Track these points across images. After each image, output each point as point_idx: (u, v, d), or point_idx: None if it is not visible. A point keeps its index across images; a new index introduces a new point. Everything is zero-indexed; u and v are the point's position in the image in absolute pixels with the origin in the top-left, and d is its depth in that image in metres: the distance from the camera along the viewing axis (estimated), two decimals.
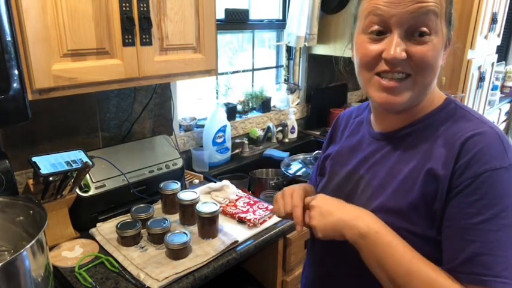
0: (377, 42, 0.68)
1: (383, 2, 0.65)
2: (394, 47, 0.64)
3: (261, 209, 1.37)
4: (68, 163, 1.08)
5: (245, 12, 1.94)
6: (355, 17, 0.74)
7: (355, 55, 0.74)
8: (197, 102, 2.01)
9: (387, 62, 0.66)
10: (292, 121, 2.23)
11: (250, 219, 1.30)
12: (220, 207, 1.29)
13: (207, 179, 1.69)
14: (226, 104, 1.98)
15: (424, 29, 0.64)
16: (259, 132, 2.08)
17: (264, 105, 2.16)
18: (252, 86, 2.21)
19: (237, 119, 2.05)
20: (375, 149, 0.79)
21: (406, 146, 0.74)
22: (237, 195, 1.47)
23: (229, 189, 1.49)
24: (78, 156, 1.12)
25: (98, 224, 1.26)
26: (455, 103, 0.74)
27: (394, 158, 0.74)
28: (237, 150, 2.00)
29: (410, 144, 0.73)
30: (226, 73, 2.01)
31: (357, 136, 0.87)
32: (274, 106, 2.26)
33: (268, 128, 2.07)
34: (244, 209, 1.37)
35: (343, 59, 0.97)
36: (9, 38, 0.85)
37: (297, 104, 2.39)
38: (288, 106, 2.30)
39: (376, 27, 0.67)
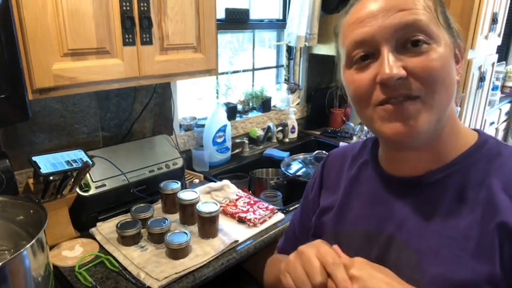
0: (365, 69, 0.54)
1: (358, 23, 0.54)
2: (387, 64, 0.51)
3: (261, 208, 1.37)
4: (68, 162, 1.08)
5: (245, 12, 1.94)
6: (338, 57, 0.62)
7: (348, 95, 0.61)
8: (197, 102, 2.01)
9: (384, 86, 0.52)
10: (292, 121, 2.23)
11: (250, 219, 1.30)
12: (221, 207, 1.29)
13: (207, 178, 1.69)
14: (227, 104, 1.98)
15: (419, 37, 0.51)
16: (260, 132, 2.08)
17: (264, 105, 2.16)
18: (253, 85, 2.21)
19: (237, 119, 2.05)
20: (399, 199, 0.61)
21: (449, 194, 0.56)
22: (237, 195, 1.47)
23: (229, 189, 1.49)
24: (78, 155, 1.12)
25: (98, 224, 1.26)
26: (494, 138, 0.60)
27: (438, 210, 0.57)
28: (237, 150, 2.00)
29: (454, 191, 0.56)
30: (227, 73, 2.01)
31: (365, 183, 0.68)
32: (274, 106, 2.26)
33: (269, 127, 2.07)
34: (245, 209, 1.37)
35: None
36: (9, 38, 0.85)
37: (297, 104, 2.39)
38: (288, 106, 2.30)
39: (358, 51, 0.54)
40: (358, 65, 0.55)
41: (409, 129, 0.52)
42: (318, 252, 0.55)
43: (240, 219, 1.32)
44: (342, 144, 2.03)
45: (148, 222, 1.19)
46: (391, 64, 0.51)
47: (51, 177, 1.04)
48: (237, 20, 1.92)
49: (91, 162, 1.11)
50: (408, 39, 0.52)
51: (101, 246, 1.17)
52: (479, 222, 0.52)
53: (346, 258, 0.54)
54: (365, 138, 0.79)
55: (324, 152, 1.88)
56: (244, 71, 2.13)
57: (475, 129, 0.62)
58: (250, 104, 2.16)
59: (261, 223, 1.31)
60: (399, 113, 0.52)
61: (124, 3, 1.07)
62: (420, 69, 0.51)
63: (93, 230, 1.24)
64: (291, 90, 2.37)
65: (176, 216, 1.32)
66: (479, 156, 0.57)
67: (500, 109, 3.23)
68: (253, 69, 2.20)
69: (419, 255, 0.56)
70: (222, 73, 1.98)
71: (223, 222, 1.29)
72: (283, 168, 1.82)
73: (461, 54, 0.57)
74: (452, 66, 0.55)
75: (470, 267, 0.51)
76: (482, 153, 0.57)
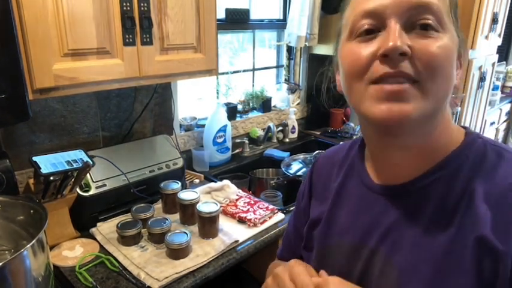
0: (369, 42, 0.51)
1: None
2: (393, 35, 0.47)
3: (261, 208, 1.37)
4: (68, 162, 1.08)
5: (246, 12, 1.94)
6: (339, 32, 0.59)
7: (342, 70, 0.56)
8: (197, 102, 2.01)
9: (386, 59, 0.48)
10: (292, 121, 2.23)
11: (250, 219, 1.30)
12: (221, 207, 1.29)
13: (208, 178, 1.69)
14: (227, 104, 1.98)
15: (430, 21, 0.48)
16: (260, 132, 2.08)
17: (265, 105, 2.17)
18: (253, 85, 2.21)
19: (238, 119, 2.05)
20: (384, 208, 0.58)
21: (431, 204, 0.54)
22: (237, 195, 1.47)
23: (229, 189, 1.49)
24: (78, 155, 1.12)
25: (99, 224, 1.26)
26: (481, 137, 0.56)
27: (419, 221, 0.54)
28: (237, 150, 2.00)
29: (436, 200, 0.53)
30: (227, 73, 2.01)
31: (351, 191, 0.65)
32: (274, 106, 2.26)
33: (269, 127, 2.07)
34: (245, 209, 1.37)
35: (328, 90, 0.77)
36: (9, 37, 0.85)
37: (297, 104, 2.39)
38: (289, 106, 2.30)
39: (365, 21, 0.51)
40: (361, 37, 0.52)
41: (400, 112, 0.48)
42: (290, 274, 0.55)
43: (240, 219, 1.32)
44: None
45: (149, 222, 1.19)
46: (397, 36, 0.47)
47: (51, 177, 1.04)
48: (237, 20, 1.92)
49: (91, 162, 1.11)
50: (418, 21, 0.49)
51: (101, 246, 1.17)
52: (458, 235, 0.50)
53: (323, 277, 0.54)
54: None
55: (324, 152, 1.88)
56: (244, 71, 2.13)
57: (463, 127, 0.59)
58: (251, 104, 2.16)
59: (261, 223, 1.31)
60: (393, 94, 0.48)
61: (124, 4, 1.07)
62: (425, 52, 0.48)
63: (93, 230, 1.24)
64: (291, 90, 2.37)
65: (176, 216, 1.32)
66: (465, 159, 0.54)
67: (500, 109, 3.23)
68: (254, 69, 2.20)
69: (399, 271, 0.53)
70: (222, 73, 1.98)
71: (224, 222, 1.29)
72: (283, 168, 1.82)
73: (462, 58, 0.55)
74: (454, 64, 0.51)
75: (449, 285, 0.49)
76: (468, 156, 0.54)
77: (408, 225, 0.55)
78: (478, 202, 0.50)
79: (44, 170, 1.03)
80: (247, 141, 2.02)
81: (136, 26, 1.11)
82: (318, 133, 2.36)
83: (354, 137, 2.24)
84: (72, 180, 1.11)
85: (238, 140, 2.01)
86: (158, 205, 1.39)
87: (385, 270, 0.55)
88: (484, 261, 0.48)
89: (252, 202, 1.43)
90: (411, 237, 0.54)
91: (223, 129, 1.82)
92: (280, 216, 1.36)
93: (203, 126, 1.84)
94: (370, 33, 0.51)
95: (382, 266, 0.56)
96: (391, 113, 0.48)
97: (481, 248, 0.48)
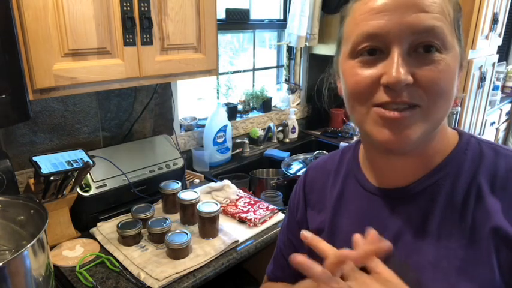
0: (371, 65, 0.51)
1: (373, 14, 0.50)
2: (396, 67, 0.48)
3: (261, 208, 1.37)
4: (68, 163, 1.08)
5: (246, 12, 1.94)
6: (339, 41, 0.58)
7: (344, 87, 0.57)
8: (198, 102, 2.01)
9: (388, 88, 0.49)
10: (292, 121, 2.23)
11: (250, 219, 1.30)
12: (221, 207, 1.29)
13: (208, 178, 1.69)
14: (227, 104, 1.98)
15: (433, 43, 0.48)
16: (260, 132, 2.08)
17: (265, 105, 2.17)
18: (253, 85, 2.21)
19: (238, 119, 2.05)
20: (389, 212, 0.59)
21: (438, 203, 0.55)
22: (237, 195, 1.47)
23: (229, 189, 1.49)
24: (79, 155, 1.13)
25: (99, 224, 1.26)
26: (474, 137, 0.59)
27: (431, 221, 0.55)
28: (237, 150, 2.00)
29: (444, 198, 0.55)
30: (227, 73, 2.01)
31: (352, 199, 0.65)
32: (275, 106, 2.26)
33: (269, 128, 2.07)
34: (245, 209, 1.37)
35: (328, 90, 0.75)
36: (10, 38, 0.85)
37: (297, 104, 2.39)
38: (289, 106, 2.30)
39: (367, 44, 0.51)
40: (363, 57, 0.52)
41: (401, 138, 0.50)
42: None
43: (240, 219, 1.32)
44: (342, 144, 2.02)
45: (149, 222, 1.19)
46: (400, 68, 0.48)
47: (51, 177, 1.04)
48: (237, 20, 1.92)
49: (91, 162, 1.12)
50: (421, 43, 0.49)
51: (101, 246, 1.17)
52: (473, 230, 0.51)
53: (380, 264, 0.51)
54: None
55: (325, 152, 1.88)
56: (244, 71, 2.13)
57: (454, 128, 0.60)
58: (251, 104, 2.16)
59: (261, 223, 1.31)
60: (395, 121, 0.49)
61: (124, 4, 1.07)
62: (428, 79, 0.48)
63: (93, 230, 1.24)
64: (292, 91, 2.37)
65: (177, 216, 1.32)
66: (464, 158, 0.56)
67: (501, 109, 3.23)
68: (254, 70, 2.21)
69: (418, 272, 0.54)
70: (223, 73, 1.99)
71: (224, 222, 1.29)
72: (283, 169, 1.82)
73: (462, 66, 0.55)
74: (456, 81, 0.52)
75: (470, 278, 0.50)
76: (466, 154, 0.56)
77: (420, 226, 0.55)
78: (486, 195, 0.52)
79: (44, 170, 1.03)
80: (247, 141, 2.02)
81: (137, 26, 1.11)
82: (318, 133, 2.36)
83: (354, 137, 2.24)
84: (73, 180, 1.11)
85: (238, 140, 2.01)
86: (158, 205, 1.39)
87: (402, 272, 0.54)
88: (501, 250, 0.49)
89: (252, 202, 1.43)
90: (425, 238, 0.54)
91: (223, 129, 1.82)
92: (280, 216, 1.36)
93: (203, 126, 1.84)
94: (372, 53, 0.51)
95: (398, 269, 0.55)
96: (392, 138, 0.50)
97: (497, 238, 0.50)
